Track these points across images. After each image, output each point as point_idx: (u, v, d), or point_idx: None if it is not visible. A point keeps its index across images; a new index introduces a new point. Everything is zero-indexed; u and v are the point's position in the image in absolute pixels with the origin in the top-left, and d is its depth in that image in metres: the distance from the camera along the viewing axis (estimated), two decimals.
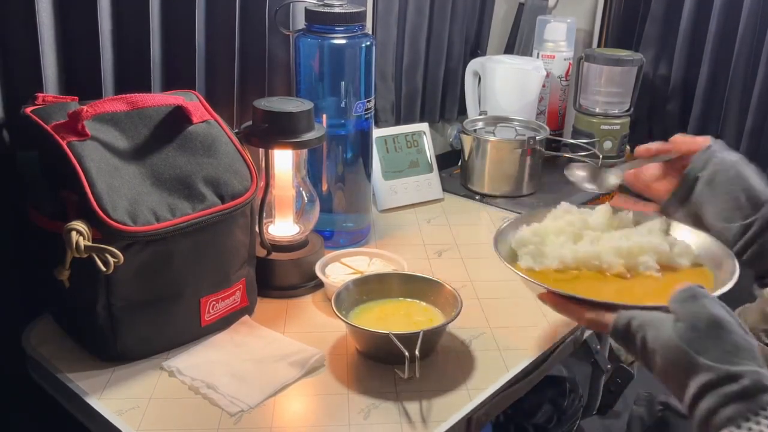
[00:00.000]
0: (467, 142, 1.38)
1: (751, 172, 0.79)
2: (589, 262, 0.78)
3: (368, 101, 1.09)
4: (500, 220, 1.27)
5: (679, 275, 0.78)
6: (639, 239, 0.80)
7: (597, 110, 1.52)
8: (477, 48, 1.60)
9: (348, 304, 0.90)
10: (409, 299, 0.93)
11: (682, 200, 0.82)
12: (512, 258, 0.81)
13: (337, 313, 0.85)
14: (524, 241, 0.82)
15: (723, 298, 0.67)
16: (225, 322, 0.90)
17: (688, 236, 0.82)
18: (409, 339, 0.79)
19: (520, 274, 0.76)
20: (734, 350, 0.58)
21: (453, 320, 0.85)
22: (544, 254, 0.79)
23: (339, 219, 1.14)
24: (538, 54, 1.56)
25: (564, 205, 0.87)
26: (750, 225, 0.76)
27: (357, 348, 0.88)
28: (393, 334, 0.80)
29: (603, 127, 1.50)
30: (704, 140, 0.83)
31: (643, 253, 0.79)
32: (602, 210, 0.85)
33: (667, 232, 0.83)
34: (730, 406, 0.56)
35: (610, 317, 0.68)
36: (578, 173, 0.90)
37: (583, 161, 1.22)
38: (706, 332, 0.60)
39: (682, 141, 0.84)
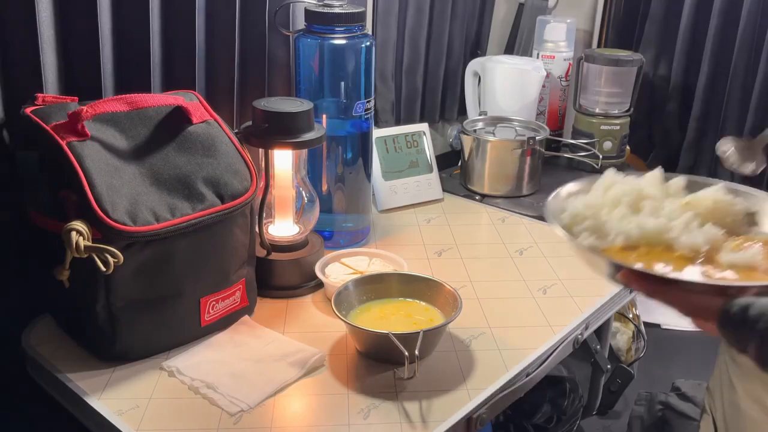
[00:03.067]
0: (467, 143, 1.38)
1: None
2: (658, 237, 0.68)
3: (368, 101, 1.09)
4: (500, 220, 1.27)
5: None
6: (710, 204, 0.69)
7: (597, 110, 1.52)
8: (477, 48, 1.60)
9: (348, 304, 0.90)
10: (409, 299, 0.93)
11: None
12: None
13: (337, 313, 0.85)
14: (579, 216, 0.72)
15: None
16: (225, 322, 0.90)
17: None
18: (409, 339, 0.79)
19: (602, 255, 0.66)
20: None
21: (453, 320, 0.85)
22: (605, 230, 0.69)
23: (339, 219, 1.14)
24: (538, 54, 1.56)
25: (610, 173, 0.76)
26: None
27: (357, 348, 0.88)
28: (393, 334, 0.80)
29: (603, 127, 1.50)
30: None
31: (718, 220, 0.68)
32: (653, 176, 0.75)
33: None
34: None
35: (716, 302, 0.58)
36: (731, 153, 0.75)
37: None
38: None
39: None
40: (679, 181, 0.75)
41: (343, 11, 1.03)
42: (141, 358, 0.84)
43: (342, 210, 1.14)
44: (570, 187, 0.77)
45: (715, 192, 0.72)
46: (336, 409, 0.78)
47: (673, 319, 1.76)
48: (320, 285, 1.01)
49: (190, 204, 0.82)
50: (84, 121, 0.77)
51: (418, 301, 0.92)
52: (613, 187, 0.74)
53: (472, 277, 1.06)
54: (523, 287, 1.04)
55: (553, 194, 0.76)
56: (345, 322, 0.84)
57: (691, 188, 0.74)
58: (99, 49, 0.90)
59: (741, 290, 0.59)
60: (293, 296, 1.00)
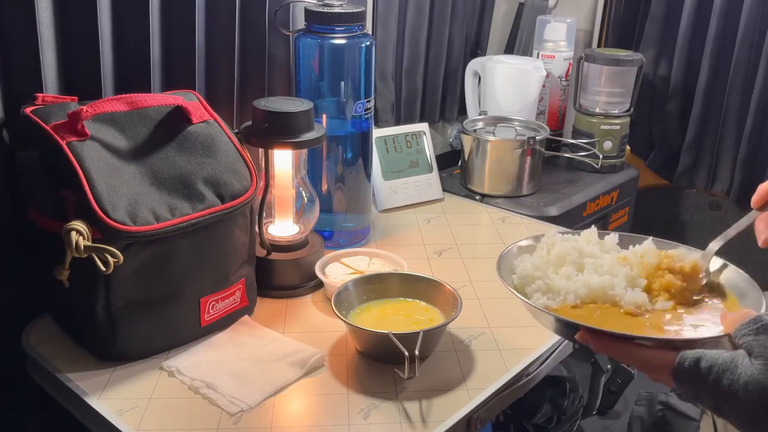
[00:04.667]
0: (467, 142, 1.38)
1: None
2: (604, 294, 0.72)
3: (368, 101, 1.09)
4: (500, 220, 1.27)
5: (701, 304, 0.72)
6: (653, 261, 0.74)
7: (597, 110, 1.52)
8: (477, 48, 1.60)
9: (348, 304, 0.90)
10: (409, 299, 0.93)
11: None
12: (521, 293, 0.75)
13: (337, 313, 0.85)
14: (529, 277, 0.76)
15: None
16: (225, 322, 0.90)
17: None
18: (409, 339, 0.79)
19: (556, 315, 0.69)
20: None
21: (453, 320, 0.85)
22: (555, 289, 0.74)
23: (339, 219, 1.14)
24: (538, 54, 1.56)
25: (551, 233, 0.81)
26: None
27: (357, 348, 0.88)
28: (393, 334, 0.80)
29: (603, 127, 1.50)
30: None
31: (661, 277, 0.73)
32: (589, 234, 0.80)
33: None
34: None
35: (669, 357, 0.60)
36: None
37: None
38: None
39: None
40: (613, 237, 0.80)
41: (343, 11, 1.03)
42: (141, 358, 0.84)
43: (342, 210, 1.14)
44: (522, 243, 0.82)
45: (645, 247, 0.77)
46: (336, 409, 0.78)
47: None
48: (320, 285, 1.01)
49: (190, 204, 0.82)
50: (84, 120, 0.77)
51: (418, 301, 0.92)
52: (555, 245, 0.79)
53: (472, 277, 1.06)
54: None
55: (505, 250, 0.80)
56: (345, 322, 0.84)
57: (622, 243, 0.79)
58: (99, 49, 0.90)
59: (689, 343, 0.61)
60: (293, 296, 1.00)
